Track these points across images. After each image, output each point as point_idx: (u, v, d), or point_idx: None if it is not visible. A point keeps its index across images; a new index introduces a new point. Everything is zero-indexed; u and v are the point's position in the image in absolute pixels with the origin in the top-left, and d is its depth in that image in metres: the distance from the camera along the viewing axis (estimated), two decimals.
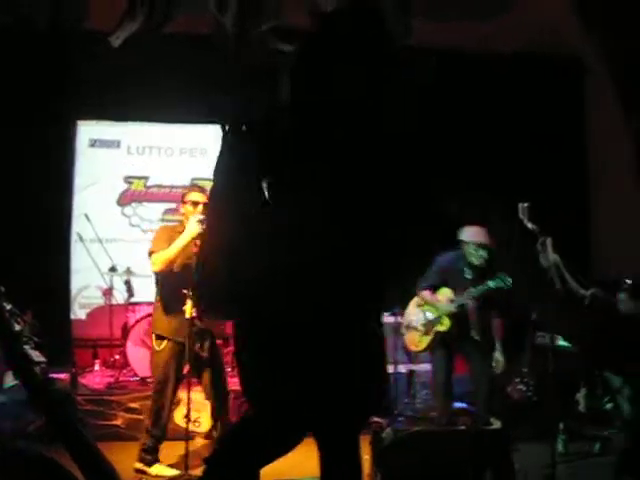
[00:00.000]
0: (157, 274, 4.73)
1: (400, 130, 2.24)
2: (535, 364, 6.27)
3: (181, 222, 4.82)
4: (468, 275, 5.27)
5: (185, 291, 4.43)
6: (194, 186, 5.00)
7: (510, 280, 5.01)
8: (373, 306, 2.31)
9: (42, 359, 1.62)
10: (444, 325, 5.29)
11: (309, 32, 2.27)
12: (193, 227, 4.52)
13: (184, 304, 4.47)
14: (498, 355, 5.25)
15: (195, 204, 4.70)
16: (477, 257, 5.21)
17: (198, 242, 4.41)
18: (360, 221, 2.20)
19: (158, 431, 4.67)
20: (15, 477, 2.07)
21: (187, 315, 4.45)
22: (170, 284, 4.65)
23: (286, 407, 2.13)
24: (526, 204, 4.23)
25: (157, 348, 4.72)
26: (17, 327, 1.83)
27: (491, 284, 5.06)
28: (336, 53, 2.18)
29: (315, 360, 2.13)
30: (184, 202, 4.79)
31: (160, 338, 4.72)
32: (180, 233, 4.62)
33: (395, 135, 2.24)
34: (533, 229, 4.36)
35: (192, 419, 5.52)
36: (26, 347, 1.76)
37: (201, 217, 4.54)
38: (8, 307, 1.87)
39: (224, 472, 2.26)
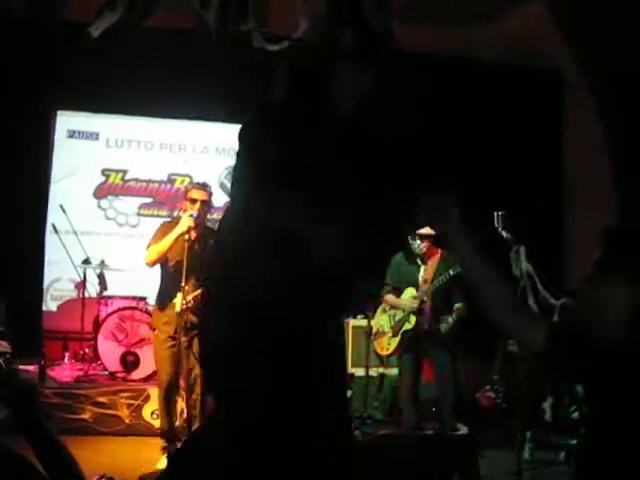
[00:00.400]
0: (155, 267, 4.83)
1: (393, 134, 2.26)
2: (505, 371, 6.32)
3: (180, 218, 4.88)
4: (421, 271, 5.42)
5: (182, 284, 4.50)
6: (196, 184, 5.04)
7: None
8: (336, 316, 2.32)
9: (7, 350, 1.59)
10: (411, 323, 5.37)
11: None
12: (184, 221, 4.62)
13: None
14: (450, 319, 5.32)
15: (193, 201, 4.76)
16: (416, 247, 5.33)
17: (188, 236, 4.49)
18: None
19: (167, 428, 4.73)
20: None
21: (177, 308, 4.51)
22: (165, 280, 4.79)
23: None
24: (501, 212, 4.27)
25: (155, 341, 4.84)
26: None
27: (451, 272, 5.15)
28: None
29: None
30: (185, 199, 4.87)
31: (154, 330, 4.84)
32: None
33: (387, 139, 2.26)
34: (507, 238, 4.40)
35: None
36: None
37: (194, 213, 4.60)
38: None
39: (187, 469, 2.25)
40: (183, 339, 4.59)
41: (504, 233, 4.38)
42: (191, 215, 4.60)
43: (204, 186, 4.92)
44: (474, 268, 1.80)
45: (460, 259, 1.78)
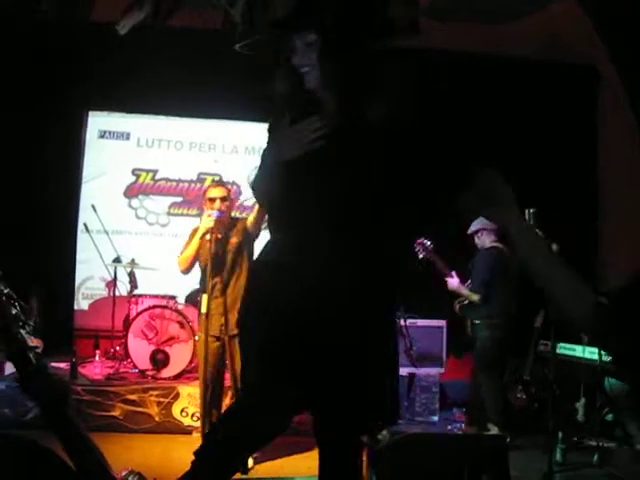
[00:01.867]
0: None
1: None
2: (537, 372, 6.24)
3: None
4: None
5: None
6: (213, 182, 5.04)
7: None
8: (390, 300, 2.34)
9: (37, 345, 1.61)
10: None
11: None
12: (204, 222, 4.62)
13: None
14: None
15: (212, 200, 4.75)
16: None
17: (210, 237, 4.48)
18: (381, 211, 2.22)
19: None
20: (10, 466, 2.06)
21: (203, 310, 4.53)
22: (200, 281, 4.85)
23: (276, 390, 2.13)
24: (532, 210, 4.19)
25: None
26: (14, 311, 1.82)
27: None
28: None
29: (324, 352, 2.13)
30: (204, 200, 4.88)
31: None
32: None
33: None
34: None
35: (190, 414, 5.56)
36: (22, 332, 1.75)
37: (213, 212, 4.58)
38: (5, 290, 1.86)
39: (212, 464, 2.25)
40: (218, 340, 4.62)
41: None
42: (210, 215, 4.56)
43: (221, 183, 4.92)
44: (531, 248, 1.72)
45: (517, 240, 1.71)
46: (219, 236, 4.62)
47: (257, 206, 4.76)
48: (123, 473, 2.09)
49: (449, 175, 2.22)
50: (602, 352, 5.11)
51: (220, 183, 4.94)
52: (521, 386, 6.46)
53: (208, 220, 4.55)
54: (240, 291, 4.60)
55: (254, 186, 2.40)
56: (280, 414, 2.23)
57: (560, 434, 5.06)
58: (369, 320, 2.23)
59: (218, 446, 2.26)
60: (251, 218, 4.77)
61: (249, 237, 4.76)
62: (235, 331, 4.55)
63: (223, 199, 4.75)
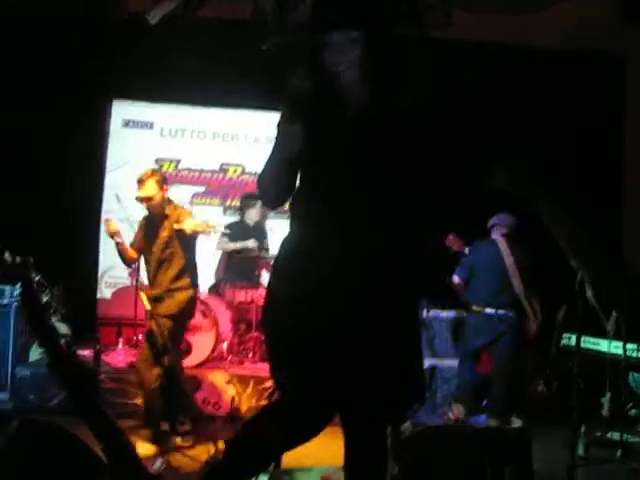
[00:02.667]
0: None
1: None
2: (559, 365, 6.20)
3: None
4: None
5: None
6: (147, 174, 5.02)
7: None
8: (416, 292, 2.33)
9: (67, 332, 1.63)
10: None
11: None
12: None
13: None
14: None
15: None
16: None
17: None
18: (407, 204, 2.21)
19: None
20: (38, 451, 2.08)
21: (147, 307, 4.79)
22: None
23: (315, 390, 2.12)
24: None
25: None
26: (45, 298, 1.85)
27: None
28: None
29: (355, 344, 2.13)
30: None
31: None
32: None
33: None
34: None
35: (211, 402, 5.59)
36: (53, 319, 1.77)
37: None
38: (36, 278, 1.89)
39: (244, 455, 2.25)
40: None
41: None
42: None
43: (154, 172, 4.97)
44: (559, 222, 1.72)
45: (544, 213, 1.69)
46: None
47: (196, 223, 4.80)
48: (155, 462, 2.11)
49: (478, 157, 2.21)
50: (627, 347, 5.07)
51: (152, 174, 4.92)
52: (542, 380, 6.42)
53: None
54: (168, 284, 4.80)
55: (260, 183, 2.37)
56: (317, 422, 2.24)
57: (583, 428, 5.02)
58: (394, 307, 2.23)
59: (250, 443, 2.27)
60: (191, 225, 4.75)
61: (182, 233, 4.79)
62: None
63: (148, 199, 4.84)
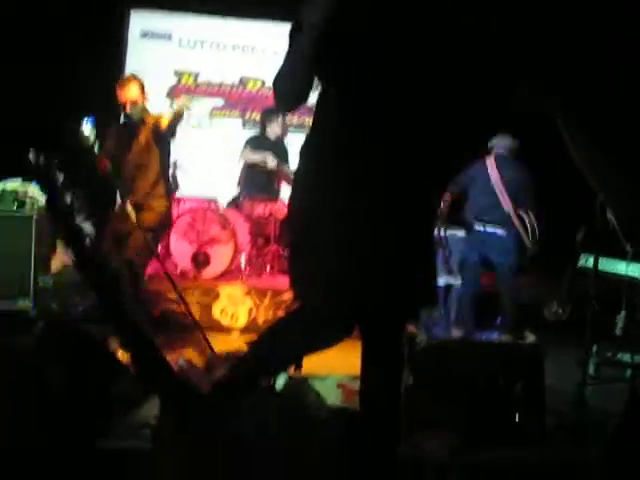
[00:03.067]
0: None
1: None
2: (576, 287, 6.22)
3: None
4: None
5: None
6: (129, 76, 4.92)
7: None
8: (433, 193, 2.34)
9: (92, 231, 1.65)
10: None
11: None
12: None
13: None
14: None
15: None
16: None
17: None
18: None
19: None
20: (61, 351, 2.14)
21: None
22: None
23: (335, 291, 2.15)
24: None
25: None
26: (69, 200, 1.86)
27: None
28: None
29: (369, 243, 2.15)
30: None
31: None
32: None
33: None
34: None
35: (229, 314, 5.69)
36: (77, 219, 1.79)
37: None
38: (60, 179, 1.89)
39: (264, 355, 2.30)
40: None
41: None
42: None
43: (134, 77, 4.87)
44: (587, 151, 1.69)
45: (568, 132, 1.66)
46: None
47: (173, 110, 4.75)
48: (180, 361, 2.17)
49: (508, 69, 2.16)
50: None
51: (134, 78, 4.84)
52: (558, 302, 6.46)
53: None
54: (148, 189, 4.67)
55: (276, 81, 2.32)
56: (336, 330, 2.28)
57: (595, 348, 5.08)
58: (410, 217, 2.25)
59: (271, 346, 2.32)
60: (164, 121, 4.70)
61: (159, 135, 4.74)
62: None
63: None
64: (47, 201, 1.93)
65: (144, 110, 4.76)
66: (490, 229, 5.69)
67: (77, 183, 1.82)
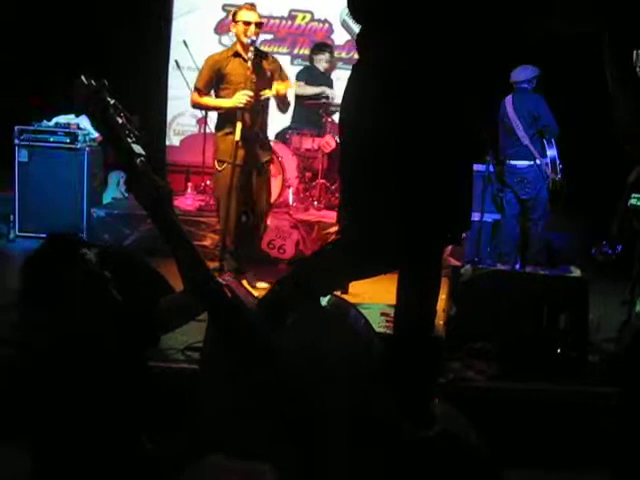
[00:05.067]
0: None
1: None
2: (625, 227, 6.12)
3: (232, 45, 4.66)
4: None
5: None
6: (246, 3, 4.62)
7: None
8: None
9: (142, 152, 1.68)
10: None
11: None
12: (238, 100, 4.37)
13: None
14: None
15: (247, 24, 4.41)
16: None
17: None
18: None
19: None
20: (116, 272, 2.21)
21: (237, 137, 4.37)
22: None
23: (394, 223, 2.19)
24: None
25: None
26: (120, 120, 1.91)
27: None
28: None
29: (426, 174, 2.18)
30: (235, 21, 4.50)
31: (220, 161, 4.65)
32: (228, 59, 4.51)
33: None
34: None
35: (277, 246, 5.76)
36: (129, 140, 1.84)
37: (249, 93, 4.35)
38: (112, 101, 1.94)
39: (310, 275, 2.36)
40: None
41: None
42: (246, 94, 4.34)
43: (253, 5, 4.65)
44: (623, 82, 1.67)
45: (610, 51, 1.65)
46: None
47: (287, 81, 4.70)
48: (226, 277, 2.25)
49: None
50: None
51: (253, 5, 4.65)
52: (607, 241, 6.37)
53: (243, 100, 4.35)
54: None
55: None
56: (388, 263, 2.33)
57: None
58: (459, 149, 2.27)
59: (317, 266, 2.38)
60: (282, 87, 4.57)
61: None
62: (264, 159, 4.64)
63: (258, 25, 4.46)
64: (99, 120, 1.97)
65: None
66: (512, 163, 5.75)
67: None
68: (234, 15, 4.53)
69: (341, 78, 6.99)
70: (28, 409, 2.06)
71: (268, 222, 5.12)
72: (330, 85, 6.87)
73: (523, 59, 5.53)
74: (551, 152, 5.73)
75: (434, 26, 2.16)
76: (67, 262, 2.02)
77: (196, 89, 4.66)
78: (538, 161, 5.70)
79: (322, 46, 6.84)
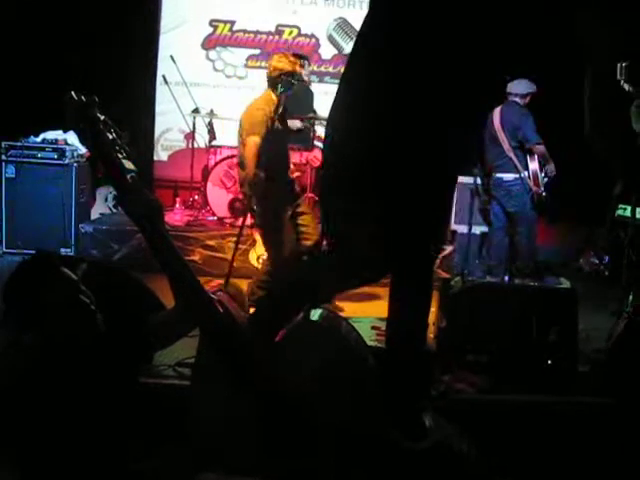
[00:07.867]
0: None
1: None
2: (612, 238, 6.17)
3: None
4: None
5: None
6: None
7: None
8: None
9: (133, 167, 1.68)
10: None
11: None
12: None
13: None
14: None
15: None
16: None
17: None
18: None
19: None
20: (103, 288, 2.21)
21: None
22: None
23: (381, 232, 2.20)
24: (625, 63, 4.00)
25: None
26: (110, 136, 1.91)
27: None
28: None
29: (413, 182, 2.19)
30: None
31: None
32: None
33: None
34: (629, 90, 4.15)
35: (263, 258, 5.73)
36: (119, 155, 1.84)
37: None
38: (102, 117, 1.94)
39: (297, 287, 2.36)
40: None
41: (626, 86, 4.12)
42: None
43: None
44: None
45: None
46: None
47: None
48: (215, 290, 2.24)
49: None
50: None
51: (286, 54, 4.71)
52: (594, 252, 6.41)
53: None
54: None
55: None
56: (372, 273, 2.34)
57: (631, 298, 5.05)
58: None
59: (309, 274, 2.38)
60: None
61: None
62: None
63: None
64: (88, 137, 1.97)
65: None
66: (499, 176, 5.69)
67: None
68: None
69: (328, 92, 7.01)
70: (14, 426, 2.04)
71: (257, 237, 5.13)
72: (311, 98, 6.87)
73: (524, 73, 5.52)
74: (532, 165, 5.74)
75: (422, 52, 2.18)
76: (46, 283, 2.01)
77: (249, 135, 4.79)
78: (523, 174, 5.72)
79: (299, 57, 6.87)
